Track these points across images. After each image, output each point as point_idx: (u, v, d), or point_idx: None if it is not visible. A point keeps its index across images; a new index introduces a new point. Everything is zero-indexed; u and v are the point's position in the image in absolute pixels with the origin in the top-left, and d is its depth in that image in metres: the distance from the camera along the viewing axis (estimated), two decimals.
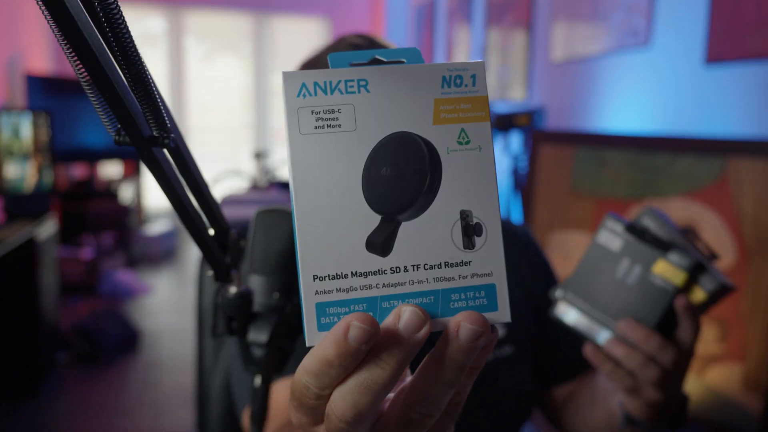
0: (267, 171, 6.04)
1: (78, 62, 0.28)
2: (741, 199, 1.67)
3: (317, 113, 0.30)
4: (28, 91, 3.82)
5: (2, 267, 2.40)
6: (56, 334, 2.77)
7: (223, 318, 0.47)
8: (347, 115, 0.30)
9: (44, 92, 4.00)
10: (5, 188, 2.56)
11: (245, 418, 0.72)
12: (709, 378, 1.50)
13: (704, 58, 2.06)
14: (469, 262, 0.30)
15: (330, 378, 0.29)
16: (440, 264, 0.30)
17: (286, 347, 0.49)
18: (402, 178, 0.30)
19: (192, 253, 5.12)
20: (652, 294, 0.60)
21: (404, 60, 0.32)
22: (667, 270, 0.59)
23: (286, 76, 0.30)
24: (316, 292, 0.29)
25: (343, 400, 0.29)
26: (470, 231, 0.30)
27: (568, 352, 0.88)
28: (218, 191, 5.79)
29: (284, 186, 5.35)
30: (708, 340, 1.45)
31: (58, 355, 2.80)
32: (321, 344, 0.28)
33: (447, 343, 0.29)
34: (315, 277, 0.29)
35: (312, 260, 0.29)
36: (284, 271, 0.48)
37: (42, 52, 4.68)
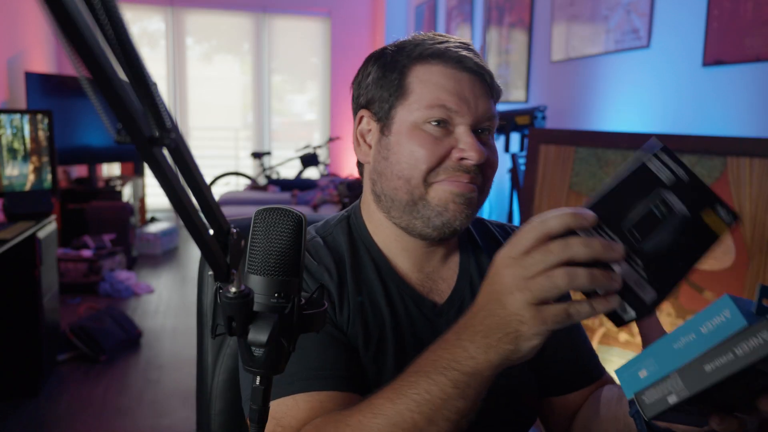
0: (266, 171, 6.04)
1: (79, 62, 0.28)
2: (741, 199, 1.67)
3: None
4: (28, 91, 3.81)
5: (2, 267, 2.40)
6: (56, 334, 2.77)
7: (223, 318, 0.46)
8: None
9: (44, 92, 4.00)
10: (5, 188, 2.56)
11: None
12: None
13: (703, 59, 2.06)
14: None
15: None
16: None
17: (286, 347, 0.49)
18: None
19: (192, 253, 5.12)
20: (698, 236, 0.60)
21: None
22: (715, 222, 0.59)
23: None
24: None
25: None
26: None
27: (574, 363, 0.88)
28: (218, 191, 5.79)
29: (283, 185, 5.36)
30: None
31: (58, 355, 2.81)
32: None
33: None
34: None
35: None
36: (284, 271, 0.48)
37: (42, 52, 4.68)
